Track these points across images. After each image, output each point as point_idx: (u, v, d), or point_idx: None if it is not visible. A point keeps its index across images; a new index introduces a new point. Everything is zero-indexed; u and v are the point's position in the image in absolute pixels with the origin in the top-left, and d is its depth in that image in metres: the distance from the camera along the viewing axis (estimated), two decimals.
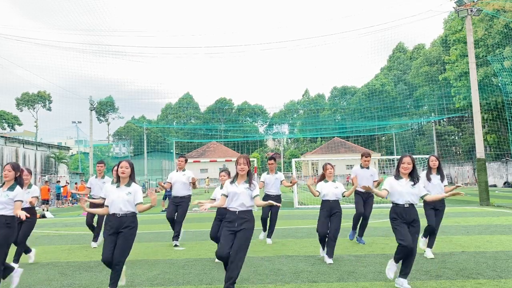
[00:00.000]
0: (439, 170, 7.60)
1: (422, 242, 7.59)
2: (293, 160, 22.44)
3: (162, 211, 18.88)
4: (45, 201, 22.36)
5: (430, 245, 7.56)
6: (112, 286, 5.31)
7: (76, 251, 9.12)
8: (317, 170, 68.40)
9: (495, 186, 39.29)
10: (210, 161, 35.67)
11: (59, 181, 29.97)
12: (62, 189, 27.51)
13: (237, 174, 5.58)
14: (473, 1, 20.38)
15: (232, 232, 5.39)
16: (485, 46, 38.13)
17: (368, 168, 9.20)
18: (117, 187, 5.52)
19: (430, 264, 6.81)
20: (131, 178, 5.59)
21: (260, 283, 5.77)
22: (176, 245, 9.15)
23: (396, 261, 5.64)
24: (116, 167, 7.96)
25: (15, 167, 5.71)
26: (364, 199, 9.18)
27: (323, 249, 7.46)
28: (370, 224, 9.65)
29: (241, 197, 5.44)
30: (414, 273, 6.15)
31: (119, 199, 5.41)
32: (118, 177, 5.59)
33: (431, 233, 7.50)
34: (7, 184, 5.63)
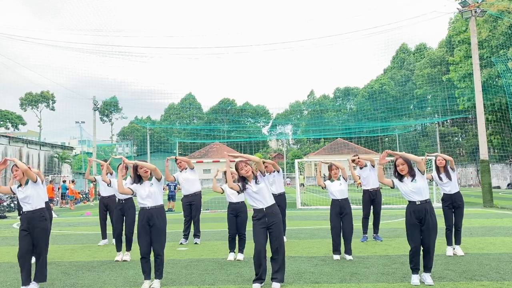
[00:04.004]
0: (445, 169, 7.72)
1: (448, 250, 7.66)
2: (296, 161, 22.40)
3: (166, 211, 18.90)
4: (50, 200, 22.44)
5: (457, 242, 7.67)
6: (158, 277, 5.75)
7: (79, 250, 9.15)
8: (319, 171, 68.26)
9: (498, 187, 39.13)
10: (213, 161, 35.68)
11: (65, 181, 30.06)
12: (67, 190, 27.56)
13: (244, 178, 5.79)
14: (477, 2, 20.31)
15: (264, 228, 5.64)
16: (489, 47, 38.02)
17: (366, 165, 9.65)
18: (141, 184, 5.89)
19: (433, 266, 6.78)
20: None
21: (263, 284, 5.75)
22: (196, 243, 9.54)
23: (414, 271, 5.77)
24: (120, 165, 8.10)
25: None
26: (372, 197, 9.42)
27: (337, 252, 7.54)
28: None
29: (260, 194, 5.69)
30: None
31: (145, 193, 5.80)
32: (140, 177, 5.93)
33: (455, 230, 7.63)
34: (22, 182, 5.95)
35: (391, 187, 6.06)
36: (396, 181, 5.92)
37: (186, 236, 9.71)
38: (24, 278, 5.72)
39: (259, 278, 5.65)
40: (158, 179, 5.89)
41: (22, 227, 5.78)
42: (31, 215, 5.77)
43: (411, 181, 5.77)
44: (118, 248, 8.07)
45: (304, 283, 5.86)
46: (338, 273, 6.39)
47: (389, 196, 22.68)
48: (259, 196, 5.69)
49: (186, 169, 9.69)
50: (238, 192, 5.93)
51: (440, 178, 7.65)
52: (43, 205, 5.96)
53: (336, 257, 7.45)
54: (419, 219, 5.73)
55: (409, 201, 5.86)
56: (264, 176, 5.79)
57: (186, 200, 9.68)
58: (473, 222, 12.46)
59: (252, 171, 5.78)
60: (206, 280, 6.16)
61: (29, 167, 6.01)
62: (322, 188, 7.89)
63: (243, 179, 5.81)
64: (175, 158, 9.74)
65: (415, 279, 5.70)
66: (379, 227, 9.76)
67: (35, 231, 5.73)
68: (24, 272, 5.71)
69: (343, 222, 7.52)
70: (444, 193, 7.78)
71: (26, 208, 5.81)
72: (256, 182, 5.72)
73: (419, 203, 5.75)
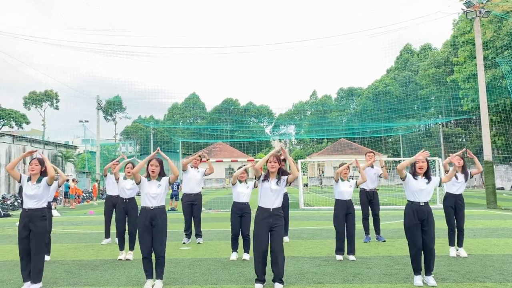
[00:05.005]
0: (464, 170, 7.79)
1: (451, 250, 7.67)
2: (299, 161, 22.40)
3: (168, 210, 18.95)
4: (54, 199, 22.48)
5: (459, 243, 7.68)
6: (160, 277, 5.76)
7: (82, 249, 9.18)
8: (323, 171, 68.29)
9: (502, 189, 38.99)
10: (216, 161, 35.51)
11: (68, 180, 30.17)
12: (69, 189, 27.65)
13: (268, 171, 5.85)
14: (482, 3, 20.23)
15: (267, 228, 5.65)
16: (493, 48, 37.83)
17: (372, 167, 9.59)
18: (148, 181, 5.92)
19: (436, 267, 6.77)
20: (161, 175, 5.98)
21: (265, 284, 5.76)
22: (199, 242, 9.58)
23: (416, 272, 5.78)
24: (128, 165, 8.07)
25: (41, 161, 6.04)
26: (369, 197, 9.46)
27: (340, 252, 7.56)
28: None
29: (274, 194, 5.72)
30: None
31: (151, 193, 5.82)
32: (149, 174, 5.98)
33: (458, 232, 7.66)
34: (34, 178, 5.95)
35: (402, 178, 5.96)
36: (410, 176, 5.97)
37: (188, 236, 9.74)
38: (25, 274, 5.76)
39: (261, 278, 5.67)
40: (170, 183, 5.96)
41: (22, 225, 5.79)
42: (32, 213, 5.79)
43: (426, 183, 5.87)
44: (121, 247, 8.09)
45: (306, 283, 5.86)
46: (340, 274, 6.39)
47: (391, 197, 22.64)
48: (273, 195, 5.72)
49: (197, 168, 9.75)
50: (257, 177, 5.92)
51: (456, 177, 7.69)
52: (45, 205, 5.99)
53: (339, 257, 7.47)
54: (421, 220, 5.78)
55: (412, 201, 5.89)
56: (287, 184, 5.86)
57: (187, 199, 9.68)
58: (477, 224, 12.43)
59: (278, 172, 5.81)
60: (209, 280, 6.17)
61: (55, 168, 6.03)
62: (338, 180, 7.76)
63: (266, 172, 5.89)
64: (206, 156, 9.76)
65: (417, 280, 5.69)
66: (381, 228, 9.77)
67: (34, 230, 5.74)
68: (25, 269, 5.75)
69: (348, 222, 7.60)
70: (447, 192, 7.78)
71: (28, 205, 5.82)
72: (277, 183, 5.76)
73: (423, 204, 5.83)
